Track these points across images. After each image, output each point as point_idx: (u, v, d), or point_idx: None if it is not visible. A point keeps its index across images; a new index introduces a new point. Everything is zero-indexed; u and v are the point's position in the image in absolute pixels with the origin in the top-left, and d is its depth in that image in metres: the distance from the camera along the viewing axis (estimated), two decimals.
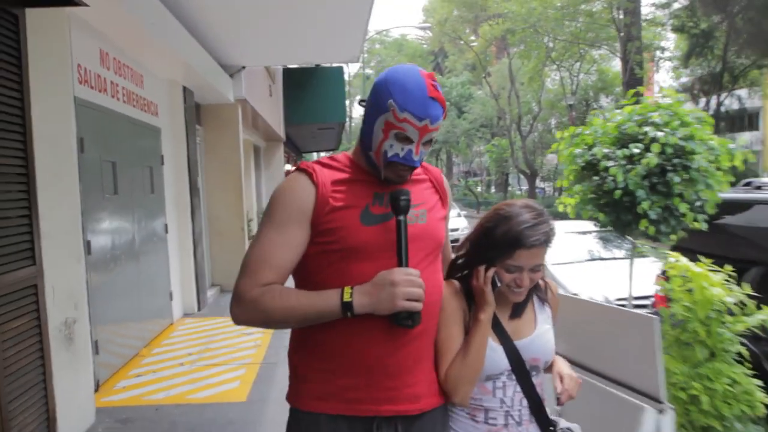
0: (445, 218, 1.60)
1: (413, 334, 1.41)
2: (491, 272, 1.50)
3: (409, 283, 1.33)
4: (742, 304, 2.65)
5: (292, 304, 1.36)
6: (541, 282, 1.64)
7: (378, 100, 1.40)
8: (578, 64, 29.70)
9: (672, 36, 25.49)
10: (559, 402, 1.57)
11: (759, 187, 4.14)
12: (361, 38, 7.48)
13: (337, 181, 1.44)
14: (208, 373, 4.78)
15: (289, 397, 1.50)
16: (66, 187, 3.50)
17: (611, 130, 3.58)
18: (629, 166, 3.32)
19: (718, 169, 3.33)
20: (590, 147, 3.60)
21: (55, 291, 3.26)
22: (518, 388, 1.55)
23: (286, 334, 4.48)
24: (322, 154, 39.54)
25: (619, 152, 3.36)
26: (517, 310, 1.59)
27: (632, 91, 4.16)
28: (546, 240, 1.48)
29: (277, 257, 1.40)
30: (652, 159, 3.24)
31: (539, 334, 1.59)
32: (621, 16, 20.77)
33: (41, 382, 3.08)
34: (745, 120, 34.51)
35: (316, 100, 14.31)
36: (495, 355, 1.52)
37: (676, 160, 3.24)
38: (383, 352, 1.40)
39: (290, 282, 1.45)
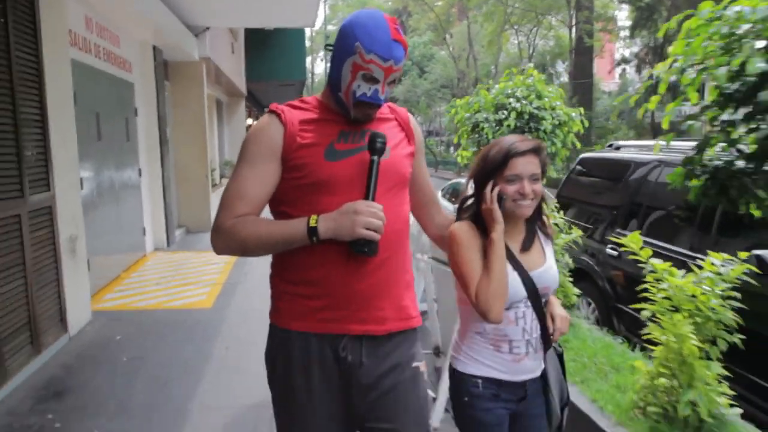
0: (413, 155, 1.67)
1: (379, 261, 1.50)
2: (496, 190, 1.62)
3: (370, 214, 1.41)
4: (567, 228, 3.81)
5: (264, 231, 1.46)
6: (544, 217, 1.79)
7: (345, 43, 1.48)
8: (535, 29, 30.75)
9: (627, 7, 26.64)
10: (552, 339, 1.73)
11: (618, 148, 5.32)
12: (315, 5, 8.30)
13: (304, 120, 1.53)
14: (180, 289, 5.80)
15: (270, 315, 1.63)
16: (67, 132, 4.40)
17: (490, 100, 4.68)
18: (497, 128, 4.44)
19: (569, 132, 4.48)
20: (476, 112, 4.69)
21: (63, 213, 4.21)
22: (534, 317, 1.69)
23: (244, 262, 5.96)
24: None
25: (492, 117, 4.48)
26: (527, 243, 1.72)
27: (507, 70, 5.19)
28: (535, 149, 1.63)
29: (250, 191, 1.50)
30: (511, 122, 4.37)
31: (549, 265, 1.73)
32: None
33: (55, 279, 4.08)
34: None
35: (278, 58, 15.01)
36: (515, 282, 1.65)
37: (531, 124, 4.37)
38: (352, 278, 1.49)
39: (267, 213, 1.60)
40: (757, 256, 2.81)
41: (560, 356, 1.81)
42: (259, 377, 1.79)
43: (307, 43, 22.10)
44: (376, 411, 1.54)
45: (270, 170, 1.50)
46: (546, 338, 1.72)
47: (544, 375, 1.76)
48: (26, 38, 3.75)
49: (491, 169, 1.63)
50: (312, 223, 1.43)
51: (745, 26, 1.98)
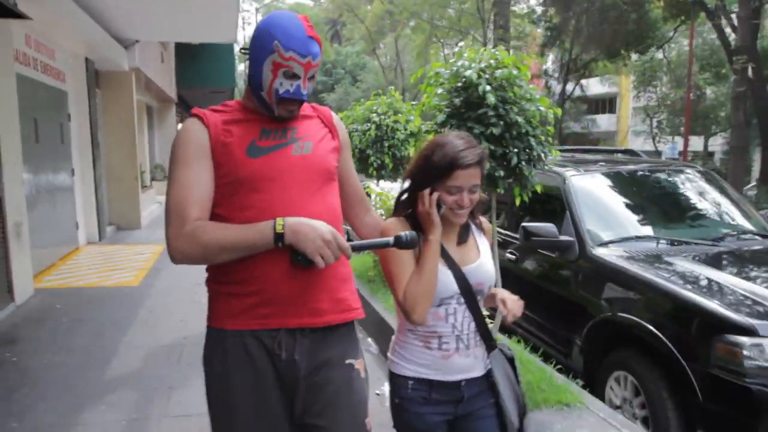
0: (338, 150, 1.69)
1: None
2: (435, 195, 1.60)
3: (333, 251, 1.43)
4: None
5: (228, 236, 1.45)
6: (476, 214, 1.77)
7: (263, 43, 1.50)
8: (461, 43, 32.61)
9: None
10: (504, 322, 1.73)
11: None
12: (234, 24, 9.29)
13: (226, 121, 1.55)
14: (110, 273, 6.68)
15: (207, 319, 1.61)
16: (13, 135, 5.26)
17: (359, 114, 5.80)
18: (363, 136, 5.59)
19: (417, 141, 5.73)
20: (351, 123, 5.86)
21: (10, 202, 5.07)
22: (467, 314, 1.66)
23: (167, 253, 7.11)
24: None
25: (360, 127, 5.63)
26: (461, 239, 1.71)
27: (374, 91, 6.37)
28: (479, 160, 1.60)
29: (195, 193, 1.49)
30: (372, 132, 5.48)
31: (483, 261, 1.71)
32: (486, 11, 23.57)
33: (4, 257, 4.95)
34: (606, 104, 39.36)
35: (207, 66, 15.81)
36: (446, 278, 1.63)
37: (388, 134, 5.59)
38: (286, 273, 1.49)
39: None
40: (523, 227, 4.05)
41: (511, 360, 1.76)
42: (175, 328, 2.66)
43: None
44: (309, 408, 1.54)
45: (206, 169, 1.52)
46: (486, 336, 1.71)
47: (490, 378, 1.72)
48: None
49: (433, 175, 1.61)
50: (278, 229, 1.43)
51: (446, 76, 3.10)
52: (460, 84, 2.92)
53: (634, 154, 5.70)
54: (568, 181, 4.26)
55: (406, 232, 1.53)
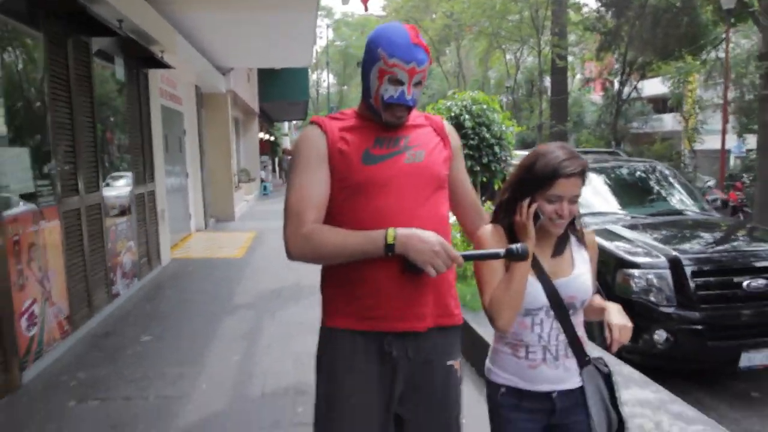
0: (449, 159, 1.74)
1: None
2: (534, 207, 1.59)
3: (444, 261, 1.51)
4: None
5: (341, 241, 1.54)
6: (578, 225, 1.75)
7: (370, 53, 1.61)
8: (522, 49, 33.75)
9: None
10: (610, 350, 1.64)
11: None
12: (311, 52, 11.33)
13: (343, 128, 1.65)
14: (219, 250, 8.85)
15: (321, 319, 1.71)
16: (158, 149, 7.43)
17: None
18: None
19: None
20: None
21: (158, 195, 7.25)
22: (555, 324, 1.66)
23: (261, 237, 9.96)
24: (293, 122, 42.94)
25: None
26: (557, 251, 1.70)
27: (455, 90, 7.97)
28: (582, 171, 1.58)
29: (312, 196, 1.59)
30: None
31: (577, 274, 1.69)
32: (542, 19, 24.81)
33: (156, 233, 7.12)
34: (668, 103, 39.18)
35: (285, 83, 18.05)
36: (534, 290, 1.63)
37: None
38: (398, 279, 1.57)
39: None
40: None
41: (607, 377, 1.73)
42: (274, 281, 4.22)
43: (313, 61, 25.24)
44: (404, 401, 1.64)
45: (324, 174, 1.61)
46: (578, 351, 1.69)
47: (582, 391, 1.68)
48: (142, 100, 6.81)
49: (534, 184, 1.59)
50: (389, 240, 1.50)
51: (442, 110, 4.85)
52: (451, 114, 4.69)
53: (616, 154, 7.20)
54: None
55: (517, 245, 1.54)
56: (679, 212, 5.72)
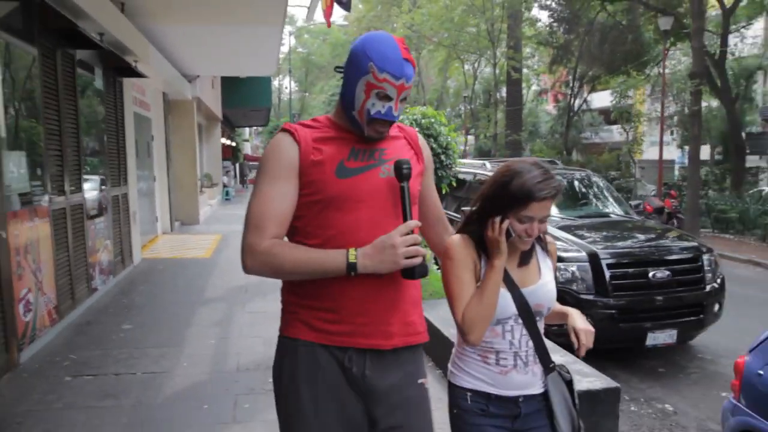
0: (422, 173, 1.72)
1: (389, 279, 1.54)
2: (506, 224, 1.61)
3: (405, 243, 1.48)
4: None
5: (301, 259, 1.51)
6: (542, 235, 1.76)
7: (357, 63, 1.53)
8: (480, 61, 34.88)
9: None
10: (577, 353, 1.70)
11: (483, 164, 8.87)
12: (275, 61, 11.85)
13: (317, 139, 1.58)
14: (188, 251, 9.26)
15: (280, 327, 1.67)
16: (131, 153, 7.83)
17: None
18: None
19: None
20: None
21: (131, 197, 7.66)
22: (524, 331, 1.69)
23: (227, 239, 10.52)
24: (254, 128, 43.02)
25: None
26: (524, 260, 1.73)
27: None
28: (555, 193, 1.61)
29: (276, 209, 1.54)
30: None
31: (543, 282, 1.73)
32: (498, 33, 25.94)
33: (128, 233, 7.52)
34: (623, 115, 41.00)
35: (248, 90, 18.42)
36: (504, 300, 1.66)
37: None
38: (363, 296, 1.54)
39: None
40: (462, 210, 6.38)
41: (569, 383, 1.77)
42: (240, 279, 4.99)
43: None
44: (381, 424, 1.59)
45: (291, 187, 1.55)
46: (543, 357, 1.72)
47: (546, 397, 1.73)
48: (117, 107, 7.24)
49: (508, 203, 1.62)
50: (351, 258, 1.47)
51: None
52: None
53: (554, 163, 7.97)
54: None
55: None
56: (606, 215, 6.51)
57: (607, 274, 4.98)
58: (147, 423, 3.36)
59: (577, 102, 26.79)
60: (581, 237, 5.48)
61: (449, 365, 1.81)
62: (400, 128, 1.73)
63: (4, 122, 4.00)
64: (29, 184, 4.43)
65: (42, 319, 4.58)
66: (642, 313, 5.00)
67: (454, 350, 1.82)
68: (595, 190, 7.02)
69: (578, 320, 1.75)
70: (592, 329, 1.73)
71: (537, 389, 1.74)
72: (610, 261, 5.05)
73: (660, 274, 5.05)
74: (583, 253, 5.08)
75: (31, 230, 4.41)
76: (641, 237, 5.74)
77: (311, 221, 1.57)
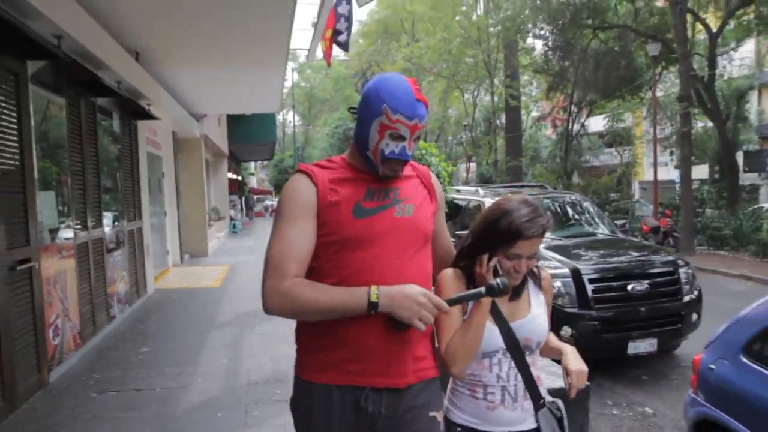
0: (435, 213, 1.75)
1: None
2: (494, 261, 1.65)
3: (429, 310, 1.50)
4: None
5: (322, 299, 1.52)
6: (535, 269, 1.80)
7: (371, 105, 1.58)
8: (479, 89, 35.66)
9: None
10: (569, 395, 1.69)
11: (458, 191, 9.32)
12: (279, 100, 12.44)
13: (333, 180, 1.62)
14: (197, 281, 9.69)
15: (295, 367, 1.70)
16: (145, 189, 8.33)
17: None
18: None
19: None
20: None
21: (145, 231, 8.13)
22: (512, 364, 1.70)
23: (235, 270, 11.10)
24: (260, 162, 43.78)
25: None
26: (515, 294, 1.74)
27: None
28: (543, 232, 1.64)
29: (296, 250, 1.56)
30: None
31: (532, 317, 1.74)
32: (494, 62, 26.69)
33: (143, 265, 7.97)
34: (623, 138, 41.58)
35: (253, 126, 19.08)
36: (491, 334, 1.67)
37: None
38: (376, 333, 1.56)
39: None
40: (457, 234, 6.78)
41: (560, 420, 1.76)
42: (249, 304, 5.30)
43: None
44: None
45: (310, 227, 1.58)
46: (533, 392, 1.72)
47: None
48: (132, 148, 7.77)
49: (496, 241, 1.65)
50: (373, 298, 1.49)
51: None
52: None
53: (543, 188, 8.41)
54: (484, 200, 7.08)
55: (498, 280, 1.57)
56: (592, 234, 6.91)
57: (589, 288, 5.36)
58: (168, 431, 3.74)
59: (575, 127, 27.37)
60: (566, 255, 5.87)
61: (445, 399, 1.82)
62: (413, 167, 1.78)
63: (37, 165, 4.49)
64: (57, 221, 4.90)
65: (68, 343, 5.00)
66: (623, 323, 5.35)
67: (449, 385, 1.83)
68: (583, 211, 7.43)
69: (572, 360, 1.74)
70: (585, 369, 1.73)
71: (527, 425, 1.73)
72: (591, 276, 5.43)
73: (639, 286, 5.42)
74: (566, 270, 5.46)
75: (59, 262, 4.86)
76: (622, 253, 6.12)
77: (327, 262, 1.60)
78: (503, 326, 1.69)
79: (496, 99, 29.47)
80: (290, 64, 41.95)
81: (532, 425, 1.74)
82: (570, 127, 27.03)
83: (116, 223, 6.86)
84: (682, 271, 5.72)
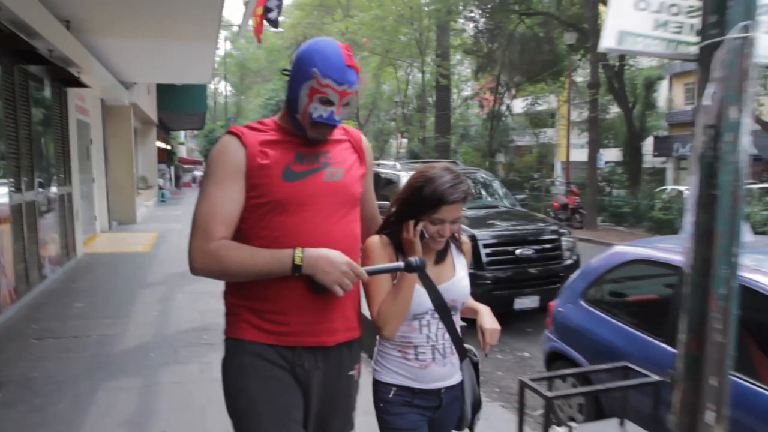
0: (364, 176, 1.78)
1: None
2: (420, 226, 1.70)
3: (351, 277, 1.55)
4: None
5: (247, 260, 1.54)
6: (456, 234, 1.87)
7: (302, 69, 1.57)
8: (411, 67, 36.31)
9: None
10: (483, 351, 1.81)
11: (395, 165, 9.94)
12: (210, 71, 12.63)
13: (263, 142, 1.61)
14: (127, 246, 9.96)
15: (225, 331, 1.70)
16: (74, 156, 8.52)
17: None
18: None
19: None
20: None
21: (75, 196, 8.35)
22: (440, 325, 1.77)
23: (164, 236, 11.56)
24: (190, 132, 42.88)
25: None
26: (439, 258, 1.82)
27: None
28: (464, 197, 1.71)
29: (223, 212, 1.56)
30: None
31: (458, 279, 1.82)
32: (426, 41, 27.44)
33: (73, 229, 8.22)
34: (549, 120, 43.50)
35: (183, 95, 18.92)
36: (420, 297, 1.74)
37: None
38: (305, 295, 1.59)
39: None
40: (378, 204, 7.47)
41: (476, 365, 1.90)
42: (179, 266, 5.74)
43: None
44: (315, 411, 1.69)
45: (238, 189, 1.58)
46: (460, 348, 1.82)
47: (462, 385, 1.85)
48: (63, 114, 7.95)
49: (421, 207, 1.71)
50: (297, 260, 1.52)
51: None
52: None
53: (455, 164, 9.21)
54: (400, 174, 7.79)
55: (415, 258, 1.66)
56: (494, 207, 7.77)
57: (483, 252, 6.19)
58: (105, 367, 4.26)
59: (502, 108, 28.62)
60: (464, 223, 6.67)
61: (373, 363, 1.88)
62: (345, 131, 1.79)
63: None
64: None
65: (4, 297, 5.35)
66: (510, 282, 6.24)
67: (376, 348, 1.88)
68: (488, 186, 8.29)
69: (487, 320, 1.84)
70: (498, 328, 1.83)
71: (456, 379, 1.84)
72: (486, 241, 6.26)
73: (525, 251, 6.31)
74: (465, 236, 6.27)
75: None
76: (515, 223, 7.00)
77: (256, 223, 1.60)
78: (431, 289, 1.75)
79: (428, 76, 30.26)
80: (223, 33, 41.13)
81: (459, 379, 1.85)
82: (496, 107, 28.29)
83: (48, 188, 7.11)
84: (564, 239, 6.66)
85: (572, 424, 2.38)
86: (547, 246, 6.54)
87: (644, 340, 3.28)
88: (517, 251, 6.29)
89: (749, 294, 2.63)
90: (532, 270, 6.35)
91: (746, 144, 1.45)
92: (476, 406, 1.91)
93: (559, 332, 4.13)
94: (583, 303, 3.99)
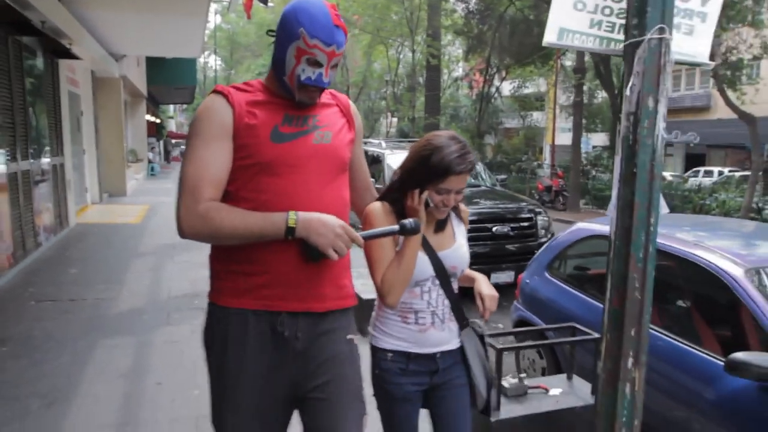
0: (353, 141, 1.74)
1: None
2: (425, 195, 1.71)
3: (346, 242, 1.51)
4: None
5: (239, 223, 1.49)
6: (458, 204, 1.86)
7: (288, 29, 1.52)
8: (402, 46, 36.28)
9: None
10: (483, 317, 1.83)
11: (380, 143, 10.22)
12: (200, 45, 12.69)
13: (251, 102, 1.57)
14: (119, 217, 10.16)
15: (209, 295, 1.67)
16: (67, 127, 8.67)
17: None
18: None
19: None
20: None
21: (67, 167, 8.52)
22: (440, 291, 1.81)
23: (155, 208, 11.87)
24: (179, 106, 42.57)
25: None
26: (440, 226, 1.83)
27: None
28: (471, 167, 1.71)
29: (212, 172, 1.52)
30: None
31: (457, 246, 1.86)
32: (416, 21, 27.45)
33: (65, 199, 8.41)
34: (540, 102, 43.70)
35: (173, 68, 18.89)
36: (422, 263, 1.76)
37: None
38: (294, 262, 1.55)
39: None
40: None
41: (481, 337, 1.90)
42: (169, 238, 6.17)
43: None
44: (313, 381, 1.61)
45: (226, 149, 1.53)
46: (459, 314, 1.85)
47: (462, 351, 1.86)
48: (55, 85, 8.09)
49: (427, 176, 1.70)
50: (291, 223, 1.48)
51: None
52: None
53: None
54: (384, 152, 8.05)
55: (410, 220, 1.66)
56: (476, 186, 8.05)
57: None
58: (101, 327, 4.53)
59: (492, 89, 28.79)
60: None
61: (370, 328, 1.90)
62: (333, 95, 1.75)
63: None
64: None
65: (2, 262, 5.58)
66: (487, 257, 6.55)
67: (374, 314, 1.90)
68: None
69: (484, 286, 1.86)
70: (496, 294, 1.86)
71: (453, 345, 1.86)
72: None
73: (502, 228, 6.62)
74: (463, 205, 6.58)
75: None
76: (494, 201, 7.30)
77: (245, 185, 1.55)
78: (432, 256, 1.78)
79: (419, 56, 30.29)
80: (213, 6, 40.64)
81: (456, 345, 1.87)
82: (485, 89, 28.46)
83: (41, 158, 7.28)
84: (539, 218, 6.97)
85: (523, 375, 2.68)
86: (524, 224, 6.84)
87: (601, 309, 3.60)
88: (494, 228, 6.59)
89: (690, 266, 2.94)
90: (509, 246, 6.66)
91: (661, 129, 1.73)
92: (489, 381, 1.91)
93: (526, 303, 4.44)
94: (547, 275, 4.30)
